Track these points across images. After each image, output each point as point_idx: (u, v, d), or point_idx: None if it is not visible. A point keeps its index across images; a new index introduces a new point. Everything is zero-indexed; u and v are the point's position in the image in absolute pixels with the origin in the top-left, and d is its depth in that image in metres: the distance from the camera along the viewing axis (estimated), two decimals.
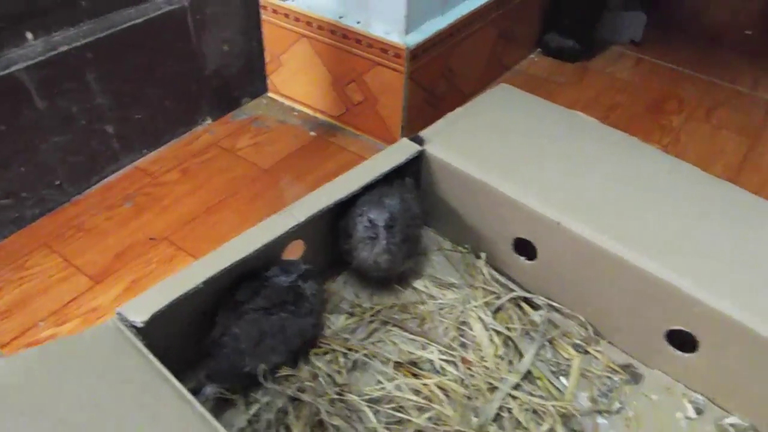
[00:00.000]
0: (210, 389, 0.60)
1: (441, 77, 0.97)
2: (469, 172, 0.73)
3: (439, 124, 0.79)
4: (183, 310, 0.59)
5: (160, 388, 0.50)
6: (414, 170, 0.77)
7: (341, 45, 0.92)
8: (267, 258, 0.66)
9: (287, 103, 1.06)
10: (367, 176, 0.70)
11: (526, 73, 1.18)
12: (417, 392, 0.63)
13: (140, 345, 0.53)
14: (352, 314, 0.71)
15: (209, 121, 1.00)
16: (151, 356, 0.52)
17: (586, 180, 0.72)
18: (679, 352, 0.66)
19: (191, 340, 0.62)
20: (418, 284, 0.75)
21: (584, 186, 0.71)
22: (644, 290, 0.64)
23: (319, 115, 1.03)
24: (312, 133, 1.00)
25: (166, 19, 0.87)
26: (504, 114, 0.81)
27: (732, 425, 0.64)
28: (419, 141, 0.75)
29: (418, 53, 0.88)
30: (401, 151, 0.74)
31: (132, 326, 0.55)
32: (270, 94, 1.07)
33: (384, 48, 0.88)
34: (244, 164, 0.92)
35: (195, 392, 0.58)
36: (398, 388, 0.64)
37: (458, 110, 0.81)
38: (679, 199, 0.71)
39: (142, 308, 0.56)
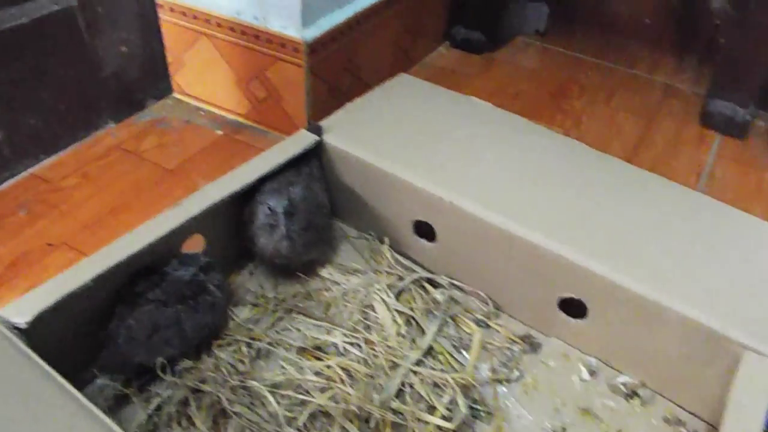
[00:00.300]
0: (101, 381, 0.59)
1: (344, 71, 0.98)
2: (367, 160, 0.75)
3: (338, 114, 0.81)
4: (73, 308, 0.58)
5: (46, 388, 0.49)
6: (319, 161, 0.78)
7: (241, 42, 0.92)
8: (166, 253, 0.66)
9: (193, 103, 1.05)
10: (263, 168, 0.71)
11: (434, 65, 1.20)
12: (319, 374, 0.64)
13: (23, 346, 0.52)
14: (256, 305, 0.72)
15: (112, 124, 0.99)
16: (35, 357, 0.51)
17: (479, 161, 0.75)
18: (572, 319, 0.69)
19: (87, 338, 0.61)
20: (323, 272, 0.76)
21: (477, 166, 0.74)
22: (535, 262, 0.67)
23: (225, 114, 1.03)
24: (219, 132, 1.00)
25: (53, 20, 0.86)
26: (402, 102, 0.83)
27: (623, 383, 0.68)
28: (317, 131, 0.76)
29: (317, 47, 0.89)
30: (299, 141, 0.75)
31: (15, 328, 0.54)
32: (176, 95, 1.06)
33: (282, 43, 0.89)
34: (149, 166, 0.91)
35: (88, 384, 0.58)
36: (300, 371, 0.64)
37: (357, 100, 0.83)
38: (566, 175, 0.74)
39: (25, 309, 0.55)
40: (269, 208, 0.68)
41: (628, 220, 0.69)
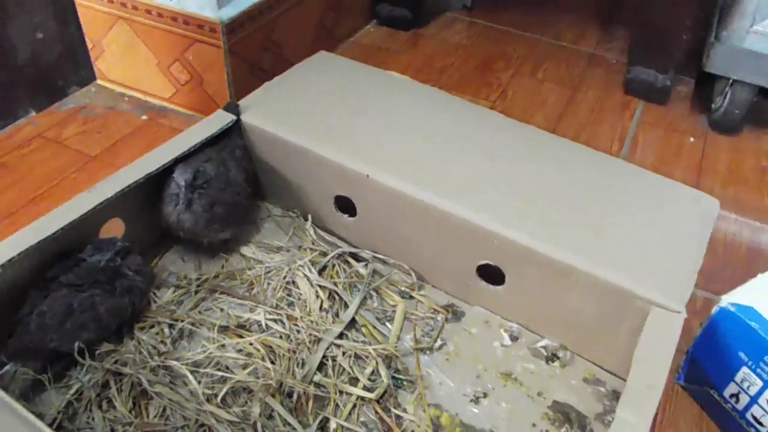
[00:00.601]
0: (11, 367, 0.58)
1: (265, 50, 0.97)
2: (285, 137, 0.75)
3: (257, 93, 0.80)
4: None
5: None
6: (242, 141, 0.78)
7: (159, 24, 0.91)
8: (82, 238, 0.65)
9: (117, 89, 1.03)
10: (178, 149, 0.70)
11: (360, 43, 1.21)
12: (240, 351, 0.65)
13: None
14: (179, 287, 0.71)
15: (33, 112, 0.97)
16: None
17: (395, 134, 0.76)
18: (491, 286, 0.71)
19: (2, 326, 0.60)
20: (246, 251, 0.76)
21: (393, 140, 0.75)
22: (451, 231, 0.68)
23: (149, 99, 1.01)
24: (143, 117, 0.98)
25: None
26: (320, 79, 0.83)
27: (543, 347, 0.70)
28: (234, 110, 0.76)
29: (234, 27, 0.88)
30: (215, 121, 0.74)
31: None
32: (99, 82, 1.05)
33: (200, 24, 0.88)
34: (71, 153, 0.90)
35: None
36: (222, 349, 0.65)
37: (276, 79, 0.82)
38: (482, 145, 0.75)
39: None
40: (174, 180, 0.68)
41: (544, 187, 0.70)
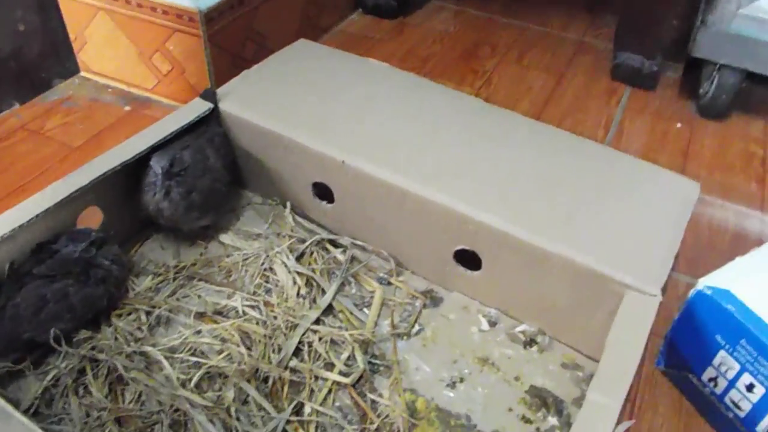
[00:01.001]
0: None
1: (247, 40, 0.97)
2: (262, 124, 0.75)
3: (235, 81, 0.80)
4: None
5: None
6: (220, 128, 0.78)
7: (139, 15, 0.91)
8: (59, 227, 0.65)
9: (101, 81, 1.03)
10: (155, 137, 0.70)
11: (345, 32, 1.20)
12: (216, 337, 0.65)
13: None
14: (157, 274, 0.72)
15: (16, 105, 0.97)
16: None
17: (373, 120, 0.75)
18: (468, 272, 0.70)
19: None
20: (225, 238, 0.76)
21: (371, 126, 0.75)
22: (429, 216, 0.68)
23: (133, 90, 1.01)
24: (126, 108, 0.98)
25: None
26: (299, 67, 0.83)
27: (521, 332, 0.70)
28: (211, 98, 0.76)
29: (213, 16, 0.88)
30: (193, 109, 0.74)
31: None
32: (83, 74, 1.05)
33: (179, 14, 0.88)
34: (53, 144, 0.90)
35: None
36: (198, 335, 0.65)
37: (254, 67, 0.82)
38: (460, 130, 0.75)
39: None
40: (151, 169, 0.68)
41: (522, 173, 0.70)
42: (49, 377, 0.61)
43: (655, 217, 0.66)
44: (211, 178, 0.72)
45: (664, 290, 0.60)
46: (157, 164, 0.68)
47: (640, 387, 0.67)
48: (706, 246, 0.82)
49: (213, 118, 0.76)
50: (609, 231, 0.64)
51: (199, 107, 0.74)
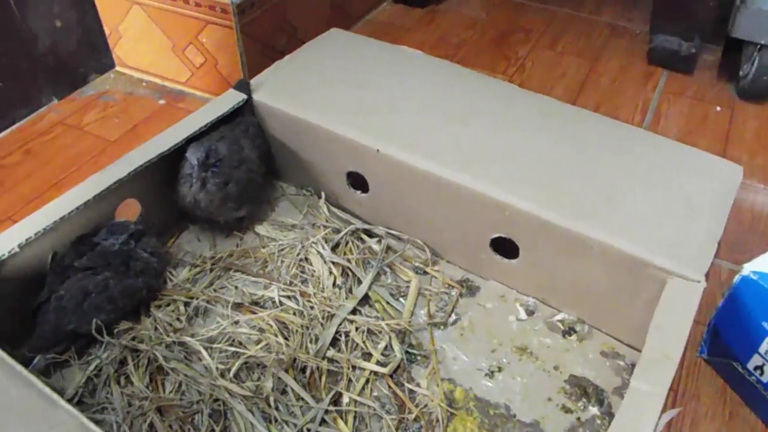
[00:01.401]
0: (39, 359, 0.60)
1: (279, 31, 0.97)
2: (296, 114, 0.75)
3: (268, 71, 0.80)
4: (5, 275, 0.59)
5: None
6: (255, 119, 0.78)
7: (172, 8, 0.92)
8: (99, 218, 0.66)
9: (136, 75, 1.05)
10: (190, 129, 0.71)
11: (376, 21, 1.20)
12: (254, 327, 0.65)
13: None
14: (194, 266, 0.72)
15: (55, 100, 0.99)
16: None
17: (406, 108, 0.75)
18: (506, 260, 0.70)
19: (20, 308, 0.61)
20: (260, 229, 0.77)
21: (404, 114, 0.74)
22: (464, 204, 0.68)
23: (167, 83, 1.02)
24: (161, 102, 1.00)
25: None
26: (332, 56, 0.83)
27: (560, 321, 0.69)
28: (245, 88, 0.76)
29: (246, 8, 0.89)
30: (226, 100, 0.75)
31: None
32: (118, 68, 1.06)
33: (211, 5, 0.88)
34: (91, 138, 0.91)
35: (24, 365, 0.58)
36: (235, 325, 0.65)
37: (287, 57, 0.82)
38: (496, 116, 0.74)
39: None
40: (187, 159, 0.69)
41: (558, 158, 0.69)
42: (91, 367, 0.62)
43: (696, 201, 0.64)
44: (246, 169, 0.72)
45: (707, 276, 0.58)
46: (193, 156, 0.68)
47: (683, 376, 0.65)
48: (749, 231, 0.80)
49: (247, 108, 0.76)
50: (649, 216, 0.63)
51: (233, 98, 0.74)
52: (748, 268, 0.59)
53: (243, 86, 0.76)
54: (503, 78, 1.03)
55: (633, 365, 0.64)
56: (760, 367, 0.61)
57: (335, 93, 0.76)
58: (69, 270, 0.62)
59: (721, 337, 0.64)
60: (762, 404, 0.61)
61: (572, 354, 0.65)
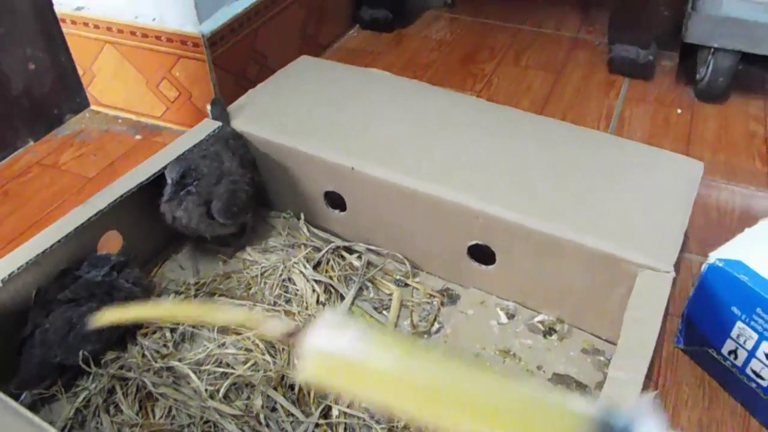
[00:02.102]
0: (26, 396, 0.60)
1: (250, 60, 1.00)
2: (271, 139, 0.77)
3: (241, 99, 0.82)
4: None
5: None
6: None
7: (144, 45, 0.94)
8: (81, 252, 0.67)
9: (111, 112, 1.06)
10: (168, 158, 0.72)
11: (344, 48, 1.23)
12: (240, 348, 0.66)
13: None
14: (179, 293, 0.73)
15: (31, 142, 1.00)
16: None
17: (378, 126, 0.77)
18: (483, 266, 0.71)
19: (6, 344, 0.62)
20: (242, 253, 0.78)
21: (376, 132, 0.76)
22: (439, 214, 0.69)
23: (142, 119, 1.04)
24: (137, 137, 1.01)
25: None
26: (303, 81, 0.85)
27: (540, 322, 0.70)
28: (219, 104, 0.77)
29: (216, 40, 0.91)
30: (202, 129, 0.76)
31: None
32: (93, 107, 1.07)
33: (183, 40, 0.90)
34: (69, 177, 0.92)
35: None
36: (222, 347, 0.66)
37: (260, 85, 0.84)
38: (464, 128, 0.76)
39: None
40: (165, 179, 0.70)
41: (527, 164, 0.71)
42: (80, 399, 0.62)
43: (662, 197, 0.67)
44: (229, 182, 0.73)
45: (677, 268, 0.60)
46: (168, 175, 0.70)
47: (662, 367, 0.67)
48: (716, 226, 0.83)
49: (224, 120, 0.77)
50: (618, 214, 0.65)
51: (208, 127, 0.76)
52: (714, 256, 0.62)
53: (217, 102, 0.77)
54: (471, 95, 1.06)
55: None
56: (733, 352, 0.62)
57: (308, 116, 0.78)
58: (53, 303, 0.63)
59: (695, 325, 0.66)
60: (739, 387, 0.63)
61: (554, 353, 0.67)
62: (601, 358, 0.66)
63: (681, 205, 0.66)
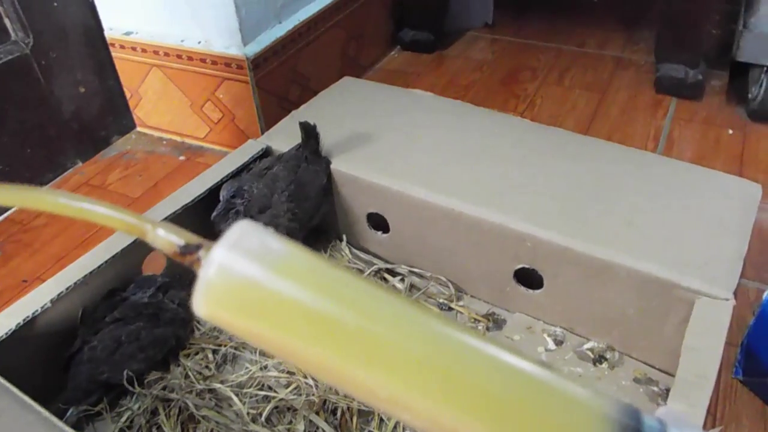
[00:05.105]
0: (72, 411, 0.61)
1: (292, 83, 1.01)
2: None
3: (285, 121, 0.83)
4: (37, 330, 0.60)
5: (12, 409, 0.51)
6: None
7: (189, 67, 0.95)
8: (126, 272, 0.68)
9: (156, 134, 1.08)
10: (211, 181, 0.73)
11: (385, 69, 1.23)
12: (282, 371, 0.65)
13: None
14: None
15: (79, 163, 1.02)
16: (2, 380, 0.53)
17: (421, 147, 0.76)
18: (530, 291, 0.70)
19: (54, 362, 0.62)
20: None
21: (419, 152, 0.75)
22: (485, 237, 0.68)
23: (186, 140, 1.05)
24: (181, 158, 1.02)
25: (9, 69, 0.89)
26: (345, 102, 0.85)
27: (590, 349, 0.68)
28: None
29: (260, 62, 0.92)
30: (246, 151, 0.77)
31: None
32: (139, 129, 1.10)
33: (227, 62, 0.91)
34: (114, 197, 0.94)
35: (58, 418, 0.58)
36: (264, 369, 0.65)
37: (302, 106, 0.85)
38: (509, 149, 0.75)
39: None
40: (220, 197, 0.70)
41: (575, 185, 0.69)
42: (123, 419, 0.62)
43: (717, 220, 0.64)
44: (271, 215, 0.72)
45: (735, 295, 0.58)
46: (223, 190, 0.71)
47: (720, 399, 0.64)
48: None
49: (308, 146, 0.74)
50: (671, 238, 0.63)
51: (252, 148, 0.77)
52: None
53: (309, 128, 0.74)
54: (514, 115, 1.05)
55: (667, 390, 0.63)
56: None
57: (351, 137, 0.78)
58: (100, 322, 0.63)
59: (756, 356, 0.63)
60: None
61: (604, 382, 0.65)
62: (655, 388, 0.64)
63: (739, 228, 0.63)
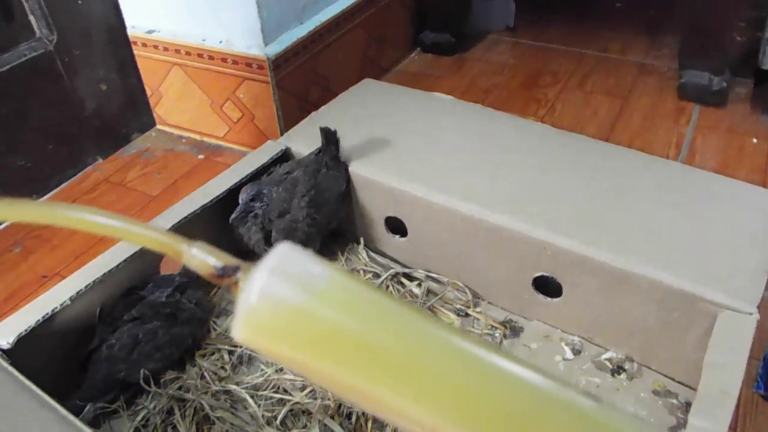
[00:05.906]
0: (89, 408, 0.61)
1: (312, 83, 1.01)
2: None
3: (304, 122, 0.82)
4: (56, 327, 0.60)
5: (30, 405, 0.51)
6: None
7: (210, 66, 0.96)
8: (145, 271, 0.68)
9: (175, 132, 1.09)
10: (230, 181, 0.73)
11: (405, 71, 1.23)
12: (297, 374, 0.65)
13: (8, 366, 0.54)
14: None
15: (99, 160, 1.02)
16: (20, 376, 0.53)
17: (441, 151, 0.76)
18: (548, 299, 0.69)
19: (71, 358, 0.63)
20: None
21: (439, 157, 0.75)
22: (504, 244, 0.67)
23: (205, 139, 1.06)
24: (200, 157, 1.03)
25: (32, 66, 0.90)
26: (365, 105, 0.85)
27: (608, 359, 0.67)
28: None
29: (280, 63, 0.92)
30: (265, 152, 0.77)
31: None
32: (159, 127, 1.10)
33: (248, 62, 0.92)
34: (134, 194, 0.94)
35: (74, 414, 0.59)
36: (279, 372, 0.65)
37: (322, 108, 0.84)
38: (529, 156, 0.75)
39: (8, 330, 0.57)
40: (239, 200, 0.71)
41: (597, 194, 0.69)
42: (139, 417, 0.63)
43: (741, 232, 0.63)
44: (289, 220, 0.73)
45: (758, 309, 0.57)
46: (242, 193, 0.71)
47: (740, 414, 0.63)
48: None
49: (327, 152, 0.74)
50: (694, 249, 0.62)
51: (272, 149, 0.77)
52: None
53: (330, 134, 0.73)
54: (534, 120, 1.04)
55: (687, 403, 0.62)
56: None
57: (370, 140, 0.78)
58: (118, 320, 0.63)
59: None
60: None
61: (623, 393, 0.64)
62: (674, 401, 0.63)
63: (763, 240, 0.62)
